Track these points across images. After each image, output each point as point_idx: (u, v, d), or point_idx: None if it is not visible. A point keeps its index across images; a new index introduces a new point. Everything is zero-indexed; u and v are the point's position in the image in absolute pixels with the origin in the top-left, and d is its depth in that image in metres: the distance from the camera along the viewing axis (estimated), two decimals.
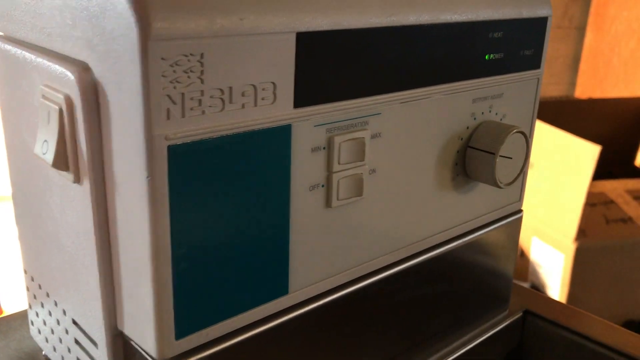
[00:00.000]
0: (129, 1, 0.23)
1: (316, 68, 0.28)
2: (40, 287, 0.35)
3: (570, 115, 1.73)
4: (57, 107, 0.27)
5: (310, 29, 0.27)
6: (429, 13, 0.32)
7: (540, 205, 1.45)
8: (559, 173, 1.41)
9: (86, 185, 0.27)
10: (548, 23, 0.40)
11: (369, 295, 0.35)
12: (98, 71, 0.25)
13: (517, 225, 0.45)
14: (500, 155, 0.37)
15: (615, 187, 1.49)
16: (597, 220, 1.41)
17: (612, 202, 1.46)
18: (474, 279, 0.43)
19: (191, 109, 0.24)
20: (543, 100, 1.78)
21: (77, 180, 0.27)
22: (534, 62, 0.40)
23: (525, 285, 1.36)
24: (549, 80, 2.11)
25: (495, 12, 0.36)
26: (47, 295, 0.35)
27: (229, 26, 0.24)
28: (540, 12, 0.39)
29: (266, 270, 0.29)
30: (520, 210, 0.44)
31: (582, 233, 1.38)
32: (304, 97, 0.28)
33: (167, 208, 0.25)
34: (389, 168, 0.33)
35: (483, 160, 0.37)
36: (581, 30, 2.07)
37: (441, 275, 0.40)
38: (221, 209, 0.27)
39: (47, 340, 0.36)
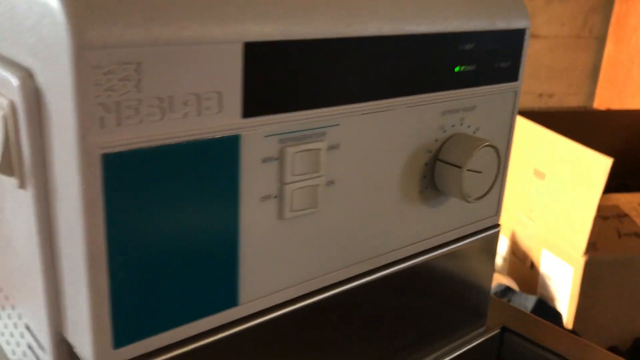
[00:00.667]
0: (63, 9, 0.23)
1: (267, 78, 0.28)
2: (0, 289, 0.36)
3: (588, 126, 1.70)
4: (2, 113, 0.27)
5: (259, 39, 0.27)
6: (391, 24, 0.31)
7: (550, 217, 1.43)
8: (570, 185, 1.39)
9: (30, 191, 0.27)
10: (526, 35, 0.39)
11: (329, 308, 0.34)
12: (41, 78, 0.25)
13: (493, 240, 0.44)
14: (469, 170, 0.36)
15: (629, 200, 1.46)
16: (609, 234, 1.38)
17: (625, 215, 1.43)
18: (447, 293, 0.42)
19: (127, 117, 0.24)
20: (560, 111, 1.76)
21: (22, 185, 0.27)
22: (511, 74, 0.39)
23: (533, 297, 1.34)
24: (567, 91, 2.09)
25: (466, 23, 0.35)
26: (6, 298, 0.35)
27: (168, 35, 0.24)
28: (516, 24, 0.38)
29: (213, 281, 0.29)
30: (497, 225, 0.44)
31: (593, 246, 1.35)
32: (253, 107, 0.28)
33: (102, 216, 0.25)
34: (348, 180, 0.33)
35: (450, 173, 0.36)
36: (601, 41, 2.04)
37: (411, 289, 0.39)
38: (162, 219, 0.26)
39: (7, 343, 0.36)
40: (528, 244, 1.54)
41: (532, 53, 1.95)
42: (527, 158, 1.51)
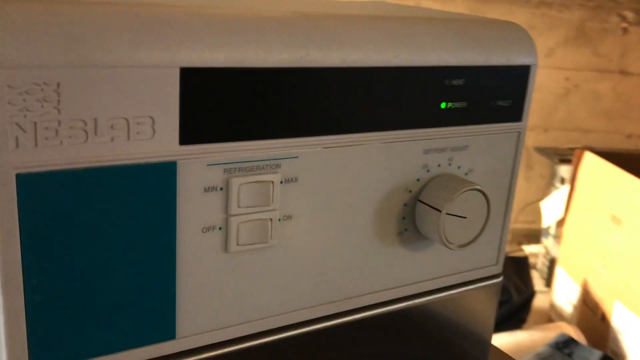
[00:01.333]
0: None
1: (208, 105, 0.27)
2: None
3: None
4: None
5: (199, 65, 0.26)
6: (358, 54, 0.30)
7: (626, 266, 1.33)
8: None
9: None
10: (531, 72, 0.36)
11: (285, 351, 0.32)
12: None
13: (492, 292, 0.40)
14: (449, 214, 0.33)
15: None
16: None
17: None
18: (435, 344, 0.39)
19: (46, 138, 0.24)
20: (637, 153, 1.64)
21: None
22: (513, 114, 0.36)
23: (599, 353, 1.24)
24: None
25: (453, 56, 0.33)
26: None
27: (90, 57, 0.24)
28: (519, 60, 0.35)
29: (146, 311, 0.28)
30: (498, 275, 0.40)
31: None
32: (191, 134, 0.27)
33: (16, 237, 0.24)
34: (309, 216, 0.31)
35: (429, 216, 0.34)
36: None
37: (392, 336, 0.36)
38: (86, 244, 0.26)
39: None
40: (600, 293, 1.44)
41: (622, 91, 1.85)
42: (603, 202, 1.41)
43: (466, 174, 0.36)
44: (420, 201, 0.34)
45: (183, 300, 0.29)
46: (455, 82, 0.33)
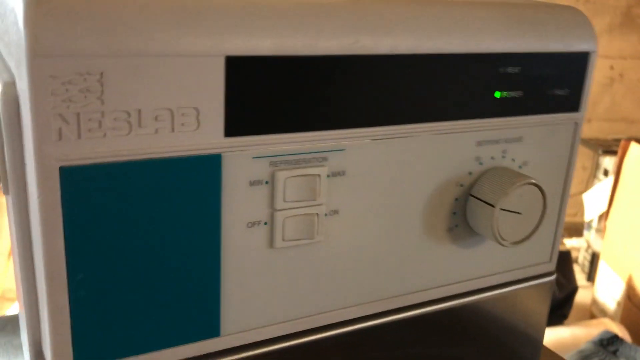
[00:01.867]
0: (24, 14, 0.22)
1: (253, 96, 0.26)
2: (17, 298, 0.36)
3: None
4: None
5: (245, 53, 0.25)
6: (409, 41, 0.28)
7: None
8: None
9: (11, 198, 0.27)
10: (590, 59, 0.34)
11: (330, 350, 0.31)
12: (19, 86, 0.25)
13: (545, 290, 0.39)
14: (503, 209, 0.32)
15: None
16: None
17: None
18: (487, 345, 0.38)
19: (89, 130, 0.23)
20: None
21: (6, 190, 0.27)
22: (570, 103, 0.34)
23: None
24: None
25: (508, 43, 0.31)
26: (19, 307, 0.35)
27: (134, 46, 0.23)
28: (577, 46, 0.33)
29: (190, 308, 0.27)
30: (552, 273, 0.38)
31: None
32: (237, 126, 0.26)
33: (60, 231, 0.24)
34: (356, 211, 0.30)
35: (482, 212, 0.32)
36: None
37: (442, 336, 0.35)
38: (130, 239, 0.25)
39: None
40: None
41: None
42: None
43: (520, 167, 0.34)
44: (472, 196, 0.33)
45: (228, 297, 0.28)
46: (510, 70, 0.32)
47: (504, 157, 0.33)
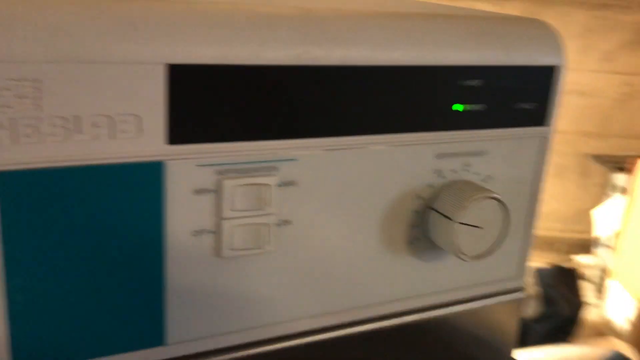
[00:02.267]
0: None
1: (198, 104, 0.26)
2: None
3: None
4: None
5: (186, 62, 0.25)
6: (361, 52, 0.28)
7: None
8: None
9: None
10: (556, 74, 0.33)
11: None
12: None
13: (514, 306, 0.38)
14: (463, 223, 0.31)
15: None
16: None
17: None
18: None
19: (26, 136, 0.23)
20: None
21: None
22: (536, 118, 0.34)
23: None
24: None
25: (469, 55, 0.31)
26: None
27: (71, 52, 0.23)
28: (543, 60, 0.33)
29: (134, 315, 0.27)
30: (520, 289, 0.38)
31: None
32: (180, 134, 0.26)
33: None
34: (310, 222, 0.30)
35: (441, 225, 0.32)
36: None
37: (400, 352, 0.35)
38: (69, 245, 0.25)
39: None
40: None
41: None
42: None
43: (484, 180, 0.34)
44: (431, 208, 0.32)
45: (173, 305, 0.28)
46: (471, 83, 0.31)
47: (466, 170, 0.33)
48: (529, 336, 1.23)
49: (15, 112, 0.23)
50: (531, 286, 1.20)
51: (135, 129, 0.25)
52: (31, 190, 0.24)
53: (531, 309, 1.19)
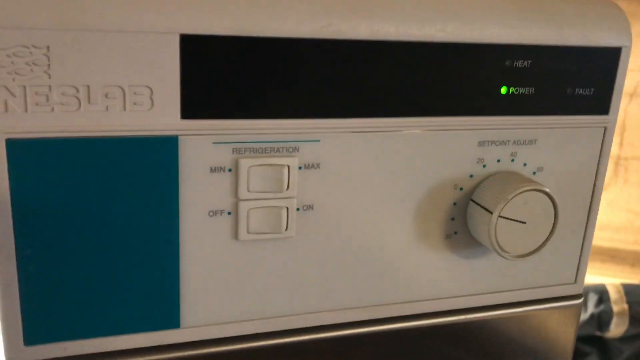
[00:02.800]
0: None
1: (214, 78, 0.25)
2: None
3: None
4: None
5: (202, 32, 0.24)
6: (391, 26, 0.26)
7: None
8: None
9: None
10: (620, 56, 0.30)
11: (297, 357, 0.29)
12: None
13: (570, 314, 0.34)
14: (504, 217, 0.28)
15: None
16: None
17: None
18: None
19: (36, 104, 0.23)
20: None
21: None
22: (596, 105, 0.31)
23: None
24: None
25: (516, 33, 0.28)
26: None
27: (81, 20, 0.23)
28: (606, 41, 0.30)
29: (148, 295, 0.26)
30: (579, 296, 0.34)
31: None
32: (195, 108, 0.25)
33: (8, 205, 0.24)
34: (335, 208, 0.28)
35: (480, 219, 0.29)
36: None
37: (431, 355, 0.32)
38: (80, 218, 0.25)
39: None
40: None
41: None
42: None
43: (534, 172, 0.31)
44: (472, 200, 0.30)
45: (188, 288, 0.27)
46: (519, 64, 0.28)
47: (513, 160, 0.30)
48: (614, 357, 1.14)
49: (25, 80, 0.23)
50: (618, 303, 1.12)
51: (149, 102, 0.24)
52: (42, 160, 0.24)
53: (617, 328, 1.11)
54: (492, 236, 0.28)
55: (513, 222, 0.29)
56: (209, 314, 0.28)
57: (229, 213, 0.27)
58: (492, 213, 0.28)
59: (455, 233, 0.30)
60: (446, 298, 0.31)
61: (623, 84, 0.31)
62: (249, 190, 0.26)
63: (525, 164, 0.30)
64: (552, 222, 0.29)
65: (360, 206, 0.28)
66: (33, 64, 0.23)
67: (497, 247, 0.29)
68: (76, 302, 0.26)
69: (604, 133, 0.31)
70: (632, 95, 1.48)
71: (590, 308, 1.11)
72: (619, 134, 1.41)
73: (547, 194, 0.29)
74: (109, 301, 0.26)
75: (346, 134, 0.27)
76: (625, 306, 1.14)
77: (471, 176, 0.30)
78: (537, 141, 0.30)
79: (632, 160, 1.53)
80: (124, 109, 0.24)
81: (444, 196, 0.30)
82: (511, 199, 0.28)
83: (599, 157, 0.32)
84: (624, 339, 1.13)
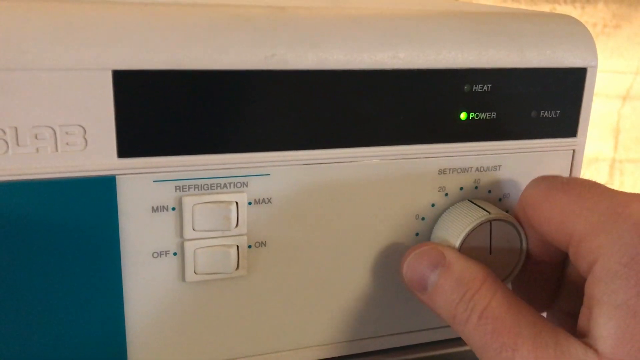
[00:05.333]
0: None
1: (151, 113, 0.23)
2: None
3: None
4: None
5: (136, 67, 0.23)
6: (340, 55, 0.25)
7: None
8: None
9: None
10: (588, 76, 0.29)
11: None
12: None
13: None
14: (466, 249, 0.27)
15: None
16: None
17: None
18: None
19: None
20: None
21: None
22: (564, 127, 0.29)
23: None
24: None
25: (473, 56, 0.27)
26: None
27: (5, 58, 0.21)
28: (570, 61, 0.28)
29: (92, 343, 0.25)
30: None
31: None
32: (132, 146, 0.24)
33: None
34: (289, 244, 0.27)
35: None
36: None
37: None
38: (16, 266, 0.23)
39: None
40: None
41: None
42: None
43: (500, 199, 0.29)
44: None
45: (134, 333, 0.26)
46: (478, 88, 0.27)
47: (476, 187, 0.29)
48: None
49: None
50: None
51: (82, 141, 0.23)
52: None
53: None
54: None
55: (477, 254, 0.27)
56: (157, 358, 0.26)
57: (175, 254, 0.25)
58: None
59: None
60: (413, 332, 0.30)
61: (591, 105, 0.29)
62: (194, 229, 0.25)
63: (489, 191, 0.29)
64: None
65: (316, 241, 0.27)
66: None
67: None
68: (15, 353, 0.24)
69: (573, 156, 0.30)
70: (624, 98, 1.47)
71: None
72: (613, 137, 1.41)
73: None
74: (52, 350, 0.25)
75: (298, 166, 0.26)
76: None
77: (433, 205, 0.28)
78: (502, 167, 0.29)
79: (627, 163, 1.52)
80: (56, 150, 0.23)
81: (406, 227, 0.28)
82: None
83: None
84: None
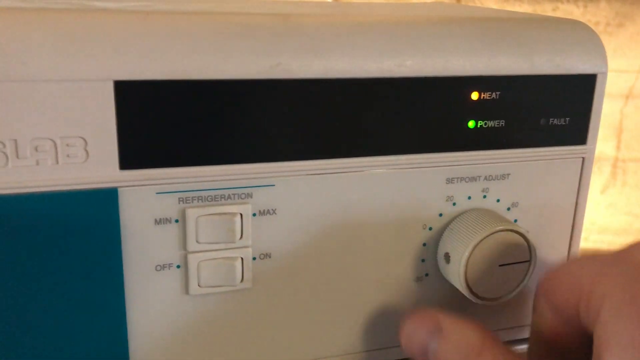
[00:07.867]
0: None
1: (154, 124, 0.23)
2: None
3: None
4: None
5: (138, 77, 0.22)
6: (347, 63, 0.24)
7: None
8: None
9: None
10: (598, 82, 0.28)
11: None
12: None
13: None
14: (474, 260, 0.27)
15: None
16: None
17: None
18: None
19: None
20: None
21: None
22: (573, 135, 0.29)
23: None
24: None
25: (481, 64, 0.26)
26: None
27: (5, 69, 0.21)
28: (581, 67, 0.28)
29: (95, 356, 0.25)
30: None
31: None
32: (135, 158, 0.23)
33: None
34: (295, 255, 0.26)
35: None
36: None
37: None
38: (19, 280, 0.23)
39: None
40: None
41: None
42: None
43: (508, 209, 0.29)
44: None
45: (137, 347, 0.25)
46: (486, 96, 0.27)
47: (485, 196, 0.28)
48: None
49: None
50: None
51: (83, 153, 0.22)
52: None
53: None
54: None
55: (485, 265, 0.27)
56: None
57: (178, 266, 0.25)
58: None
59: (427, 275, 0.29)
60: None
61: (600, 112, 0.29)
62: (198, 242, 0.25)
63: (498, 200, 0.29)
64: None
65: (322, 252, 0.27)
66: None
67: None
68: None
69: (582, 163, 0.30)
70: (627, 97, 1.46)
71: None
72: (615, 136, 1.40)
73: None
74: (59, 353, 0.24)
75: (303, 176, 0.25)
76: None
77: (441, 215, 0.28)
78: (511, 175, 0.28)
79: (630, 162, 1.52)
80: (57, 162, 0.22)
81: (413, 237, 0.28)
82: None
83: (578, 189, 0.30)
84: None
